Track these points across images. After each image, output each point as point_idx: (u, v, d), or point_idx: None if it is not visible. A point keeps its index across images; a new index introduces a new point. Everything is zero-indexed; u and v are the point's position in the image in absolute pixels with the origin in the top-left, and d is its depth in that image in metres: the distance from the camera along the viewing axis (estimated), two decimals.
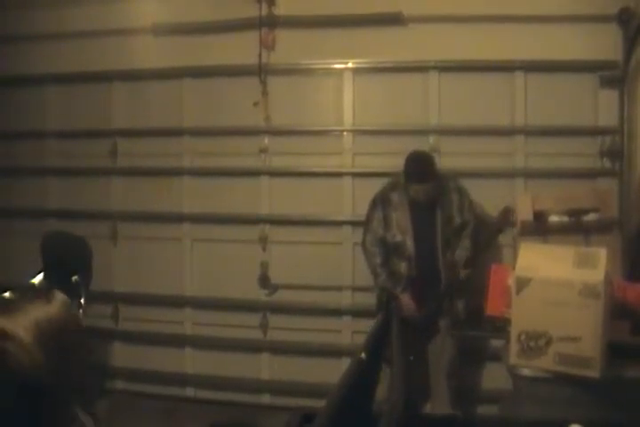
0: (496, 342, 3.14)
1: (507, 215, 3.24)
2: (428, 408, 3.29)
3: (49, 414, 1.09)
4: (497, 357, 2.81)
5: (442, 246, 3.32)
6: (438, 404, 3.26)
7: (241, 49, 3.96)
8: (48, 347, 1.12)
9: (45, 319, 1.15)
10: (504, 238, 3.54)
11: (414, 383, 3.02)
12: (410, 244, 3.31)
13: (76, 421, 1.17)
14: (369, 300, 3.64)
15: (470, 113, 3.76)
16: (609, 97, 3.60)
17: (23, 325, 1.12)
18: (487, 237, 3.44)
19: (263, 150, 4.02)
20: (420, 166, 3.30)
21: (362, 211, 3.59)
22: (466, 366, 3.53)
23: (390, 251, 3.37)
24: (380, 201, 3.42)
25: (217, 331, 4.09)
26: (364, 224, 3.50)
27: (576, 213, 2.90)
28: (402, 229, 3.33)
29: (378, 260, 3.38)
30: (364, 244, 3.47)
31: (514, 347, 2.07)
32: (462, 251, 3.37)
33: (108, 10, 4.08)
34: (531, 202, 2.94)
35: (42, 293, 1.23)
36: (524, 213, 2.92)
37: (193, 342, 4.17)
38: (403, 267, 3.33)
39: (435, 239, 3.32)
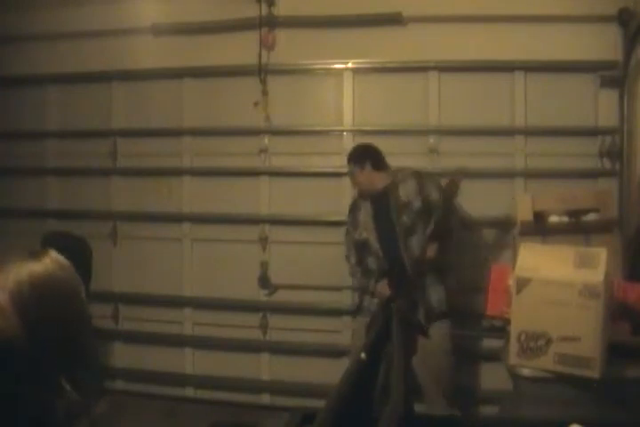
0: (496, 342, 3.14)
1: (456, 182, 3.20)
2: (425, 409, 3.27)
3: (26, 386, 0.92)
4: (497, 357, 2.81)
5: (402, 235, 3.28)
6: (434, 406, 3.24)
7: (241, 49, 3.96)
8: (28, 309, 0.97)
9: (28, 279, 1.00)
10: (504, 238, 3.54)
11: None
12: (373, 239, 3.33)
13: (61, 394, 0.99)
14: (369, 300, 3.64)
15: (470, 113, 3.76)
16: (609, 97, 3.60)
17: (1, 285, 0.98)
18: (443, 199, 3.33)
19: (263, 150, 4.02)
20: (354, 148, 3.52)
21: None
22: (466, 366, 3.53)
23: (361, 250, 3.41)
24: (351, 207, 3.51)
25: (217, 331, 4.09)
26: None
27: (576, 214, 2.90)
28: (366, 227, 3.36)
29: (353, 260, 3.45)
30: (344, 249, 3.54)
31: (514, 347, 2.07)
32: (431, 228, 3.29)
33: (108, 10, 4.07)
34: (531, 202, 2.93)
35: (34, 252, 1.08)
36: (524, 213, 2.92)
37: (193, 342, 4.17)
38: (372, 262, 3.36)
39: (394, 230, 3.31)
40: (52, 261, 1.07)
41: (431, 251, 3.24)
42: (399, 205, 3.29)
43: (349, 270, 3.53)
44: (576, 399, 2.04)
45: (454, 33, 3.72)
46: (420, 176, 3.35)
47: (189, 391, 4.16)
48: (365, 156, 3.40)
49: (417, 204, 3.27)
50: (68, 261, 1.13)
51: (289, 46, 3.94)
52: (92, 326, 1.15)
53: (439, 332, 3.26)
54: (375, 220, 3.36)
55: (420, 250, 3.23)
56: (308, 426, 1.27)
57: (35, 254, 1.07)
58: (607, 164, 3.63)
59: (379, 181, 3.36)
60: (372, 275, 3.35)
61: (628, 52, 3.49)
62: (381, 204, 3.35)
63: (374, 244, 3.34)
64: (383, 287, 3.26)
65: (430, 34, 3.75)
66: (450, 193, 3.23)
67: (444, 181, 3.31)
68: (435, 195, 3.28)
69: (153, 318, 4.18)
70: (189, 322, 4.17)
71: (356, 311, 3.53)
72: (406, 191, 3.30)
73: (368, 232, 3.36)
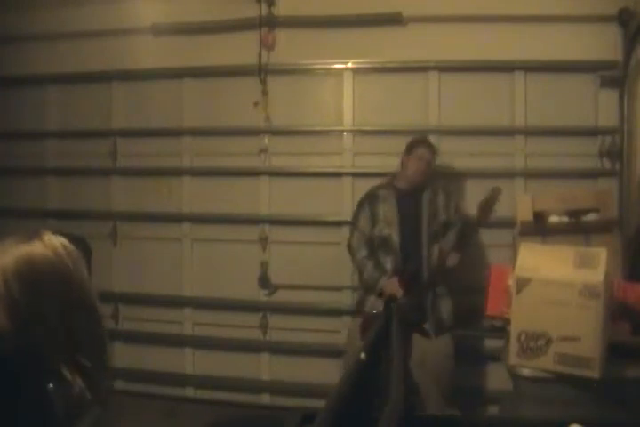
0: (496, 342, 3.14)
1: (495, 195, 3.18)
2: (425, 409, 3.27)
3: (24, 383, 0.85)
4: (497, 357, 2.81)
5: (427, 240, 3.30)
6: (434, 406, 3.24)
7: (241, 49, 3.96)
8: (17, 302, 0.87)
9: (13, 262, 0.90)
10: (504, 238, 3.54)
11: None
12: (395, 237, 3.30)
13: (62, 383, 0.90)
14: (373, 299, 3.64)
15: (470, 113, 3.77)
16: (609, 97, 3.60)
17: None
18: (478, 215, 3.34)
19: (263, 150, 4.02)
20: (426, 138, 3.48)
21: None
22: (466, 366, 3.53)
23: (376, 247, 3.36)
24: (367, 199, 3.43)
25: (217, 331, 4.09)
26: (351, 225, 3.50)
27: (576, 214, 2.90)
28: (388, 223, 3.32)
29: (363, 253, 3.37)
30: (349, 243, 3.47)
31: (514, 347, 2.07)
32: (448, 240, 3.33)
33: (108, 10, 4.07)
34: (531, 202, 2.94)
35: (28, 235, 0.98)
36: (524, 213, 2.92)
37: (193, 342, 4.17)
38: (388, 261, 3.31)
39: (420, 233, 3.30)
40: (45, 243, 0.96)
41: (452, 260, 3.25)
42: (433, 210, 3.32)
43: (356, 265, 3.44)
44: (576, 399, 2.04)
45: (454, 33, 3.73)
46: (447, 193, 3.44)
47: (189, 391, 4.16)
48: (436, 152, 3.43)
49: (443, 217, 3.35)
50: (68, 243, 1.01)
51: (289, 46, 3.94)
52: (98, 313, 1.07)
53: (443, 338, 3.27)
54: (400, 217, 3.32)
55: (439, 259, 3.25)
56: (307, 426, 1.27)
57: (27, 237, 0.96)
58: (607, 164, 3.63)
59: (430, 176, 3.37)
60: (385, 271, 3.30)
61: (628, 52, 3.49)
62: (410, 201, 3.33)
63: (396, 241, 3.30)
64: (392, 285, 3.24)
65: (430, 34, 3.76)
66: (485, 212, 3.23)
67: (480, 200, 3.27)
68: (452, 214, 3.38)
69: (153, 318, 4.18)
70: (189, 322, 4.17)
71: (357, 311, 3.49)
72: (436, 202, 3.36)
73: (391, 228, 3.31)
